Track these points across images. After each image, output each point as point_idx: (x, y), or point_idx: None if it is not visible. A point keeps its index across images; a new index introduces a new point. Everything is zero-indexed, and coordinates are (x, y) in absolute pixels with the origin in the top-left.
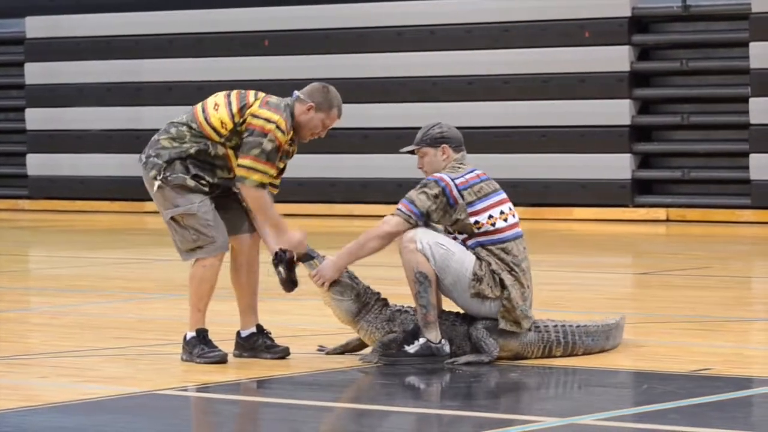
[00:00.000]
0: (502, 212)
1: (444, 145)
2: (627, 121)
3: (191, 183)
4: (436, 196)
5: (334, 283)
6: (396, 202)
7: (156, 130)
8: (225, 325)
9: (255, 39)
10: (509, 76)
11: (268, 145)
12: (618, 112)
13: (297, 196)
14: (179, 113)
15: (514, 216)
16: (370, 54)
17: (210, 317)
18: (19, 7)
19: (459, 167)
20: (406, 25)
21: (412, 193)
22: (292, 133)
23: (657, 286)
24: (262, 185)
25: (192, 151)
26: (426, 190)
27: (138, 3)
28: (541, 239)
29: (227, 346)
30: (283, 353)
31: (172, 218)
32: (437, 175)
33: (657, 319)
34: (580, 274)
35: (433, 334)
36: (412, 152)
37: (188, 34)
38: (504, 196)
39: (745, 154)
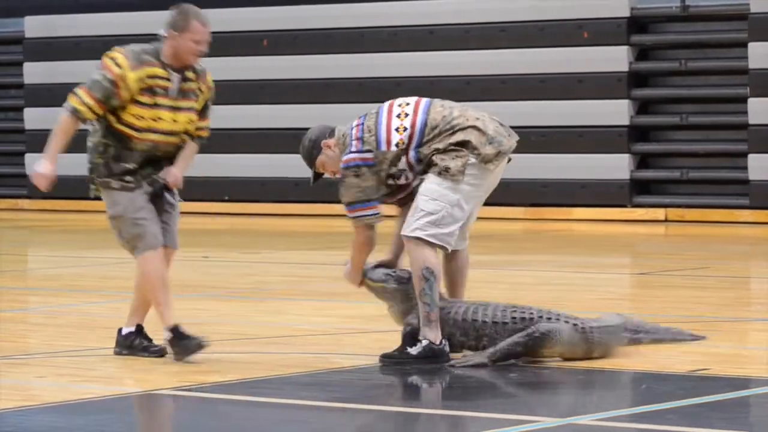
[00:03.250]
0: (398, 116)
1: (320, 145)
2: (626, 122)
3: (116, 184)
4: (363, 175)
5: (382, 295)
6: None
7: None
8: (226, 325)
9: (254, 39)
10: (507, 76)
11: (96, 75)
12: (617, 112)
13: (295, 197)
14: None
15: (408, 104)
16: (368, 54)
17: (207, 316)
18: (18, 7)
19: (343, 139)
20: (403, 25)
21: (348, 194)
22: (149, 69)
23: (655, 287)
24: (75, 111)
25: (103, 140)
26: (351, 181)
27: (136, 3)
28: (539, 239)
29: (220, 346)
30: (160, 353)
31: (110, 219)
32: (342, 163)
33: (655, 320)
34: (579, 274)
35: (434, 334)
36: (320, 176)
37: None
38: (385, 107)
39: (744, 155)
